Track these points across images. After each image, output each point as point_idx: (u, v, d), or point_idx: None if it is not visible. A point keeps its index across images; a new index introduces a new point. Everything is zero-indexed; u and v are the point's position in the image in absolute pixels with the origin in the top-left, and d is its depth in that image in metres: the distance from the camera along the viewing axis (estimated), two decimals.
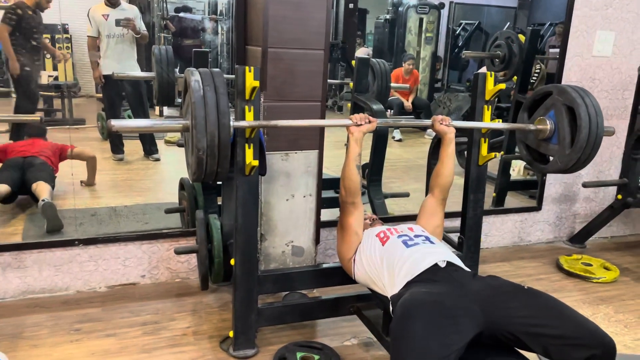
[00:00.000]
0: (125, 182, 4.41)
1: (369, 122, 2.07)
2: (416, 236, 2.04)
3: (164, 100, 3.34)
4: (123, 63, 4.34)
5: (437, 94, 6.48)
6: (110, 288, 2.72)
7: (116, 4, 4.28)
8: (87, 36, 4.32)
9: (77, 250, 2.63)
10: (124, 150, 4.57)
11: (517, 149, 4.06)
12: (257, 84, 1.92)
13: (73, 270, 2.65)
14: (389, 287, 1.90)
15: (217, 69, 1.85)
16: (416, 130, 6.03)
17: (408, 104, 5.65)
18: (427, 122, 2.24)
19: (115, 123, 1.72)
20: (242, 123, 1.92)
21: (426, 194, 2.67)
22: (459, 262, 1.93)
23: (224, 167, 1.80)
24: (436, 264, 1.84)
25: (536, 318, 1.63)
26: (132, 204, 3.85)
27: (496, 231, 3.53)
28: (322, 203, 2.68)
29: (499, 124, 2.32)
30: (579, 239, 3.64)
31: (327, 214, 2.88)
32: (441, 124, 2.18)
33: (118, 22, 4.23)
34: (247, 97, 1.96)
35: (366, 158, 3.68)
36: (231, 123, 1.82)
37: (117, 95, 4.48)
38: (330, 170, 3.94)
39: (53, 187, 3.52)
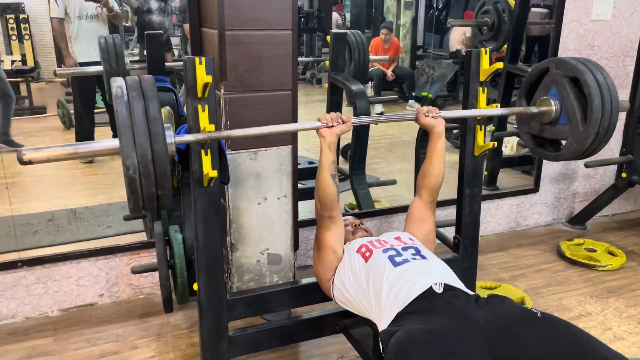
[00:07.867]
0: (88, 178, 4.04)
1: (343, 122, 1.75)
2: (404, 249, 1.74)
3: None
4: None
5: (420, 62, 6.13)
6: (64, 311, 2.40)
7: None
8: (52, 18, 3.69)
9: (22, 272, 2.30)
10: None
11: (511, 125, 3.79)
12: (209, 79, 1.59)
13: (19, 294, 2.32)
14: (377, 315, 1.61)
15: (149, 76, 1.49)
16: (399, 101, 5.70)
17: (390, 73, 5.31)
18: (411, 115, 1.92)
19: (28, 153, 1.36)
20: (185, 137, 1.58)
21: (415, 189, 2.38)
22: (457, 282, 1.63)
23: (165, 187, 1.44)
24: (431, 289, 1.54)
25: (554, 355, 1.35)
26: (94, 204, 3.51)
27: (491, 217, 3.25)
28: (300, 195, 2.36)
29: (496, 110, 2.02)
30: (579, 220, 3.38)
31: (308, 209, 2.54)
32: (427, 115, 1.87)
33: None
34: (199, 94, 1.63)
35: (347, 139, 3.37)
36: (171, 139, 1.49)
37: (90, 87, 3.95)
38: (311, 152, 3.63)
39: None
